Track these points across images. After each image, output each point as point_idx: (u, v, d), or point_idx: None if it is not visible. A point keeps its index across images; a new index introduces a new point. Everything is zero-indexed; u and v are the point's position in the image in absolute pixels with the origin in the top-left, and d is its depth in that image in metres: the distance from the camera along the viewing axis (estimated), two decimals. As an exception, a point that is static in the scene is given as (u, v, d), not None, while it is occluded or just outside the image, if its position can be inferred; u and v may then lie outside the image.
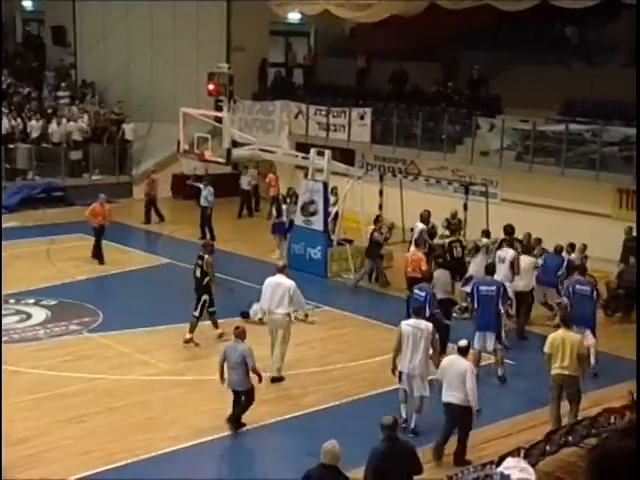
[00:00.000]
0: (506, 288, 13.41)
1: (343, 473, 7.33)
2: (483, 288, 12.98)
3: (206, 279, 14.01)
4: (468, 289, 15.78)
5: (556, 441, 9.61)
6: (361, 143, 23.65)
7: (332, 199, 19.58)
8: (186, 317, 15.12)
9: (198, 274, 14.10)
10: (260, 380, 10.97)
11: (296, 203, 19.65)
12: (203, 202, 21.59)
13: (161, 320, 14.85)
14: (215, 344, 13.98)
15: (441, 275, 14.15)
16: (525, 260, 14.88)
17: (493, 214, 18.37)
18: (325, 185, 18.58)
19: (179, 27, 26.92)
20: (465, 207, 18.69)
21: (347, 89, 26.07)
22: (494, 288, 12.92)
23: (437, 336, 11.35)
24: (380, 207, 20.24)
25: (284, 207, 19.93)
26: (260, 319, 14.24)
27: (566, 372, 10.74)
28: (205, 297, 14.03)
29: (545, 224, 18.54)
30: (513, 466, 8.29)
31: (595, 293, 13.49)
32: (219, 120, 19.99)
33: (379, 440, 7.88)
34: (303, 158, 19.97)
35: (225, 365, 10.89)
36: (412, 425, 10.94)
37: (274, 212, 20.47)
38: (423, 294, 12.48)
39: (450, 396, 10.10)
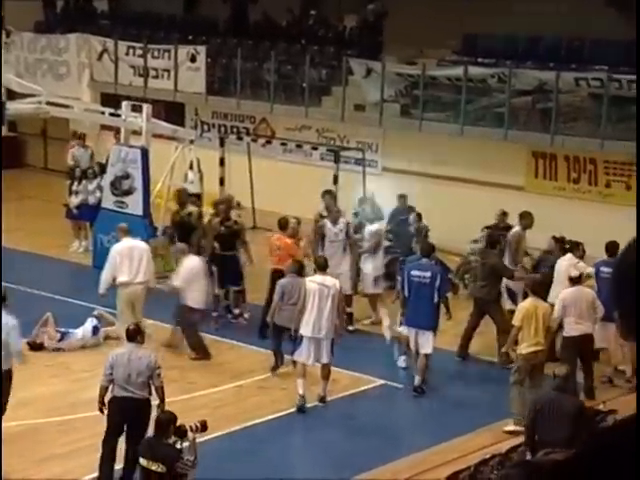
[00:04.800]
0: (444, 276, 13.74)
1: None
2: (415, 273, 13.36)
3: None
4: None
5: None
6: (193, 94, 23.68)
7: (191, 176, 19.22)
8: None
9: None
10: None
11: (96, 176, 19.46)
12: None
13: None
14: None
15: None
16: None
17: (372, 187, 18.80)
18: (144, 152, 18.51)
19: None
20: (335, 180, 19.04)
21: (171, 19, 26.05)
22: (429, 274, 13.30)
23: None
24: (221, 182, 20.33)
25: (83, 183, 19.66)
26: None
27: (539, 348, 12.50)
28: None
29: (440, 199, 19.17)
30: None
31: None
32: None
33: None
34: (112, 115, 19.83)
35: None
36: (322, 392, 12.98)
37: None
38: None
39: (583, 327, 13.04)
